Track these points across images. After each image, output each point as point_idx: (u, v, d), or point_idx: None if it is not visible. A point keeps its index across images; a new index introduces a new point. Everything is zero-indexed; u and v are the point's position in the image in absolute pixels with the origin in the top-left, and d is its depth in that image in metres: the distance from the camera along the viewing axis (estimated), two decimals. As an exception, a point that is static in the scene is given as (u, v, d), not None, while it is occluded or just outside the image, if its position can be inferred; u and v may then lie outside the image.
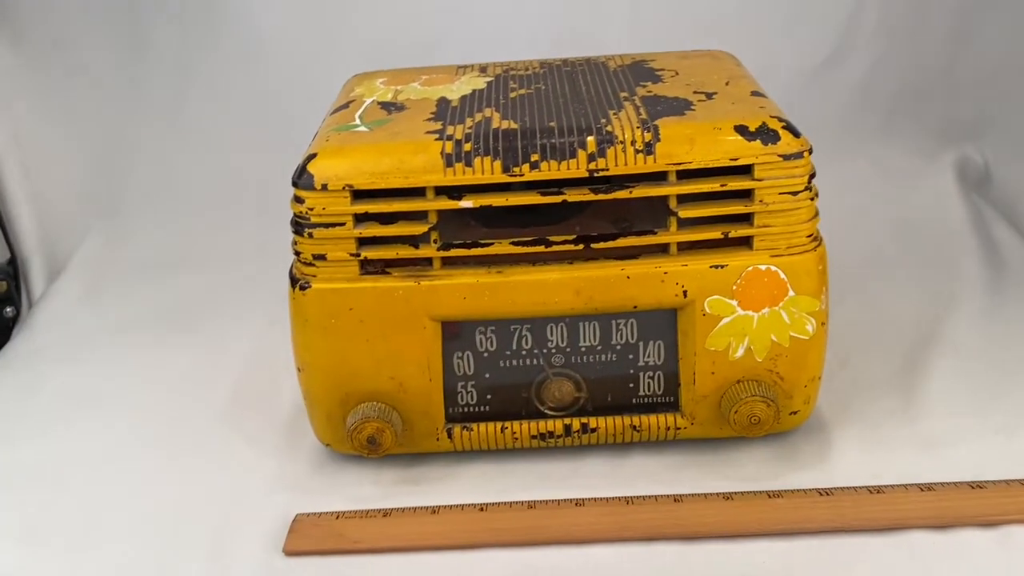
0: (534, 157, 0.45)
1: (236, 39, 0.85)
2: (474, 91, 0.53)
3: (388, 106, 0.52)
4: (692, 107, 0.48)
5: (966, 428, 0.52)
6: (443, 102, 0.52)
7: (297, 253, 0.48)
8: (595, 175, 0.45)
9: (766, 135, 0.45)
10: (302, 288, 0.47)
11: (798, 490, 0.47)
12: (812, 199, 0.46)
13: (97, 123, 0.84)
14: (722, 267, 0.46)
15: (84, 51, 0.83)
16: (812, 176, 0.46)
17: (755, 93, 0.50)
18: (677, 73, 0.54)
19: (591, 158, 0.45)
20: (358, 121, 0.50)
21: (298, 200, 0.46)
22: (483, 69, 0.58)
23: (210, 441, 0.55)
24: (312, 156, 0.46)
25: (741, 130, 0.45)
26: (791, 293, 0.47)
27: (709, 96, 0.50)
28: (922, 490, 0.47)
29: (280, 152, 0.84)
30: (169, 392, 0.60)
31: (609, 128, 0.46)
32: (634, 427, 0.50)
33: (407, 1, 0.85)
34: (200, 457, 0.54)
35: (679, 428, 0.50)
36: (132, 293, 0.73)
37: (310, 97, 0.83)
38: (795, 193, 0.46)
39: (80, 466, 0.54)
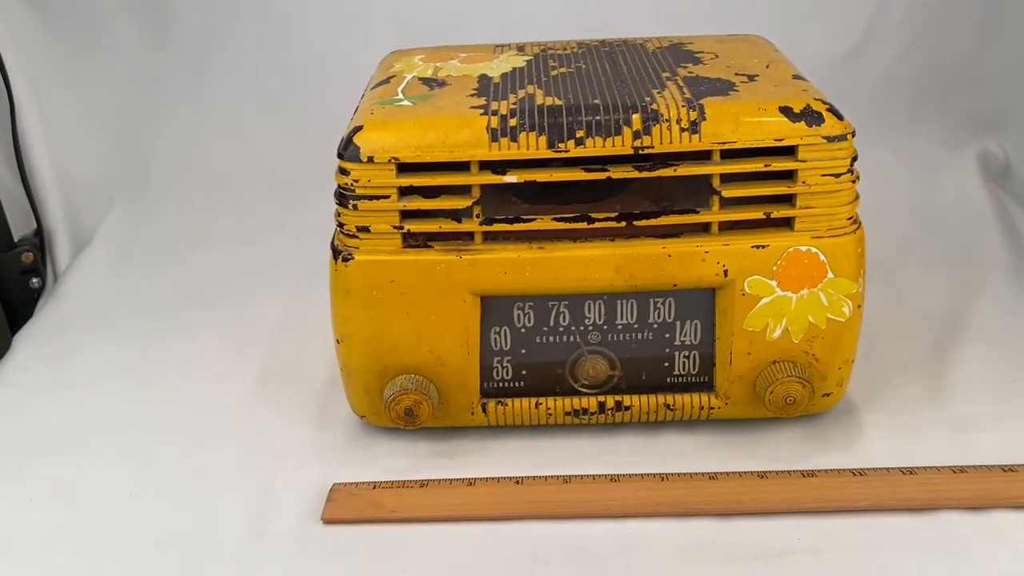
0: (579, 133, 0.45)
1: (262, 16, 0.85)
2: (514, 69, 0.53)
3: (430, 82, 0.52)
4: (735, 88, 0.48)
5: (994, 413, 0.52)
6: (484, 79, 0.52)
7: (340, 225, 0.48)
8: (640, 152, 0.45)
9: (810, 117, 0.45)
10: (344, 260, 0.48)
11: (832, 470, 0.48)
12: (854, 182, 0.47)
13: (122, 98, 0.84)
14: (763, 247, 0.47)
15: (110, 26, 0.83)
16: (854, 159, 0.46)
17: (796, 76, 0.50)
18: (716, 56, 0.54)
19: (636, 135, 0.45)
20: (401, 95, 0.50)
21: (343, 172, 0.47)
22: (520, 48, 0.58)
23: (243, 413, 0.55)
24: (358, 128, 0.47)
25: (786, 111, 0.46)
26: (830, 275, 0.47)
27: (751, 78, 0.50)
28: (955, 472, 0.47)
29: (303, 129, 0.85)
30: (198, 365, 0.61)
31: (654, 106, 0.46)
32: (668, 406, 0.50)
33: None
34: (234, 429, 0.54)
35: (713, 408, 0.50)
36: (157, 268, 0.74)
37: (334, 75, 0.83)
38: (837, 175, 0.46)
39: (114, 435, 0.54)
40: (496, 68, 0.54)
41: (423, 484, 0.48)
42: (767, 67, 0.52)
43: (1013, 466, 0.47)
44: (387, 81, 0.53)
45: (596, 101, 0.47)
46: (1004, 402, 0.53)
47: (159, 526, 0.47)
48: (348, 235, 0.48)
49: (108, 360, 0.62)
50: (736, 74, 0.51)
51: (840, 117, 0.46)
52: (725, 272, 0.47)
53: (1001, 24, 0.82)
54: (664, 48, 0.56)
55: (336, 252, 0.48)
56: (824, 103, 0.46)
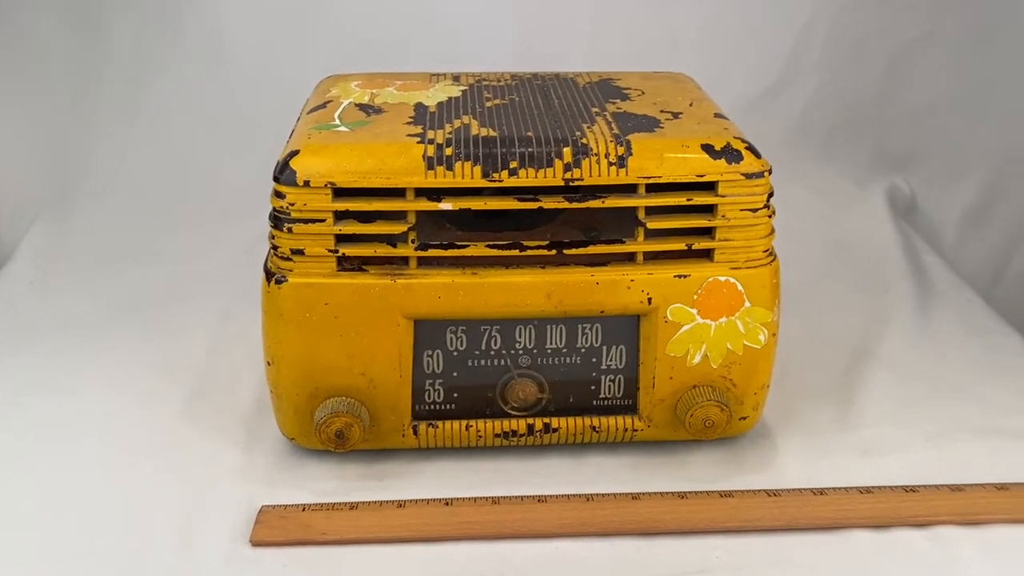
0: (513, 164, 0.47)
1: (197, 33, 0.85)
2: (450, 98, 0.55)
3: (366, 108, 0.53)
4: (661, 125, 0.51)
5: (899, 437, 0.55)
6: (420, 107, 0.53)
7: (274, 247, 0.48)
8: (570, 184, 0.47)
9: (730, 154, 0.48)
10: (278, 282, 0.48)
11: (747, 491, 0.50)
12: (770, 216, 0.49)
13: (53, 113, 0.83)
14: (685, 277, 0.49)
15: (42, 40, 0.82)
16: (770, 195, 0.49)
17: (717, 115, 0.53)
18: (643, 92, 0.57)
19: (567, 168, 0.47)
20: (338, 121, 0.51)
21: (279, 195, 0.47)
22: (456, 78, 0.59)
23: (171, 433, 0.55)
24: (294, 152, 0.47)
25: (707, 148, 0.48)
26: (747, 304, 0.50)
27: (675, 115, 0.52)
28: (861, 492, 0.50)
29: (236, 148, 0.85)
30: (125, 383, 0.60)
31: (584, 140, 0.48)
32: (594, 428, 0.52)
33: (369, 6, 0.86)
34: (162, 449, 0.54)
35: (636, 430, 0.52)
36: (82, 285, 0.72)
37: (268, 94, 0.83)
38: (755, 210, 0.49)
39: (36, 455, 0.53)
40: (432, 97, 0.55)
41: (353, 506, 0.49)
42: (690, 105, 0.54)
43: (914, 487, 0.50)
44: (323, 106, 0.54)
45: (529, 133, 0.49)
46: (907, 426, 0.56)
47: (85, 548, 0.46)
48: (282, 257, 0.48)
49: (31, 378, 0.60)
50: (661, 111, 0.53)
51: (758, 155, 0.49)
52: (649, 300, 0.49)
53: (908, 68, 0.88)
54: (594, 83, 0.59)
55: (269, 274, 0.49)
56: (743, 142, 0.49)
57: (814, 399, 0.59)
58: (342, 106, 0.54)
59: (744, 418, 0.53)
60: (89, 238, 0.79)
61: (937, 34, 0.86)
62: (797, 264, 0.73)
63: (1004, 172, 0.85)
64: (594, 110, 0.53)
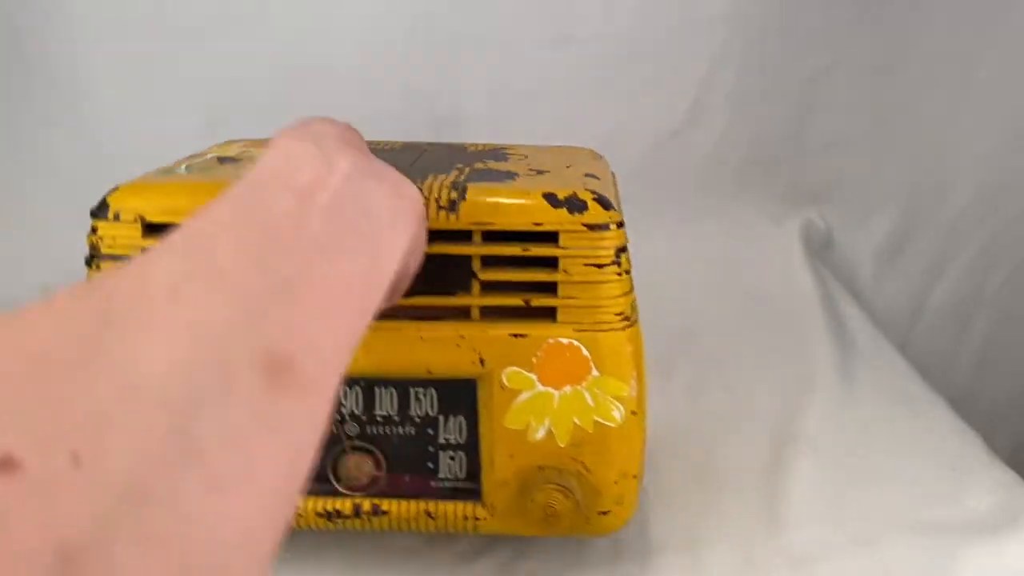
0: (334, 205, 0.44)
1: (60, 99, 0.84)
2: (315, 155, 0.52)
3: (224, 160, 0.52)
4: (515, 178, 0.47)
5: (828, 540, 0.49)
6: (277, 160, 0.51)
7: (86, 286, 0.46)
8: (394, 228, 0.43)
9: (573, 204, 0.44)
10: (85, 323, 0.45)
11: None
12: (620, 274, 0.44)
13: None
14: (522, 336, 0.44)
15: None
16: (621, 250, 0.44)
17: (588, 175, 0.49)
18: (526, 157, 0.53)
19: (392, 211, 0.43)
20: (183, 168, 0.49)
21: (92, 231, 0.45)
22: (343, 143, 0.57)
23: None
24: (114, 189, 0.45)
25: (549, 197, 0.44)
26: (595, 372, 0.44)
27: (540, 172, 0.49)
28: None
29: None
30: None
31: (419, 184, 0.45)
32: (429, 514, 0.46)
33: (255, 63, 0.85)
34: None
35: (478, 519, 0.46)
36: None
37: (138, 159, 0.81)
38: (601, 266, 0.44)
39: None
40: (299, 154, 0.53)
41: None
42: (567, 167, 0.51)
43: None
44: (189, 157, 0.52)
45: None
46: (836, 525, 0.51)
47: None
48: (91, 297, 0.45)
49: None
50: (529, 169, 0.49)
51: (607, 206, 0.44)
52: (481, 361, 0.44)
53: (816, 102, 0.84)
54: (481, 150, 0.56)
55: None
56: (593, 193, 0.44)
57: (739, 493, 0.54)
58: (203, 157, 0.52)
59: (605, 512, 0.45)
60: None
61: (841, 66, 0.83)
62: (716, 319, 0.70)
63: (917, 204, 0.82)
64: (457, 166, 0.50)
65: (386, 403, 0.46)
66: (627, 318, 0.45)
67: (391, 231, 0.35)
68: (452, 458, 0.46)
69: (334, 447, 0.46)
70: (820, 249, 0.83)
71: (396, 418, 0.46)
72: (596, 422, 0.44)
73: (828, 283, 0.78)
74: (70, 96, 0.85)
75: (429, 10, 0.83)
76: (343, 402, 0.45)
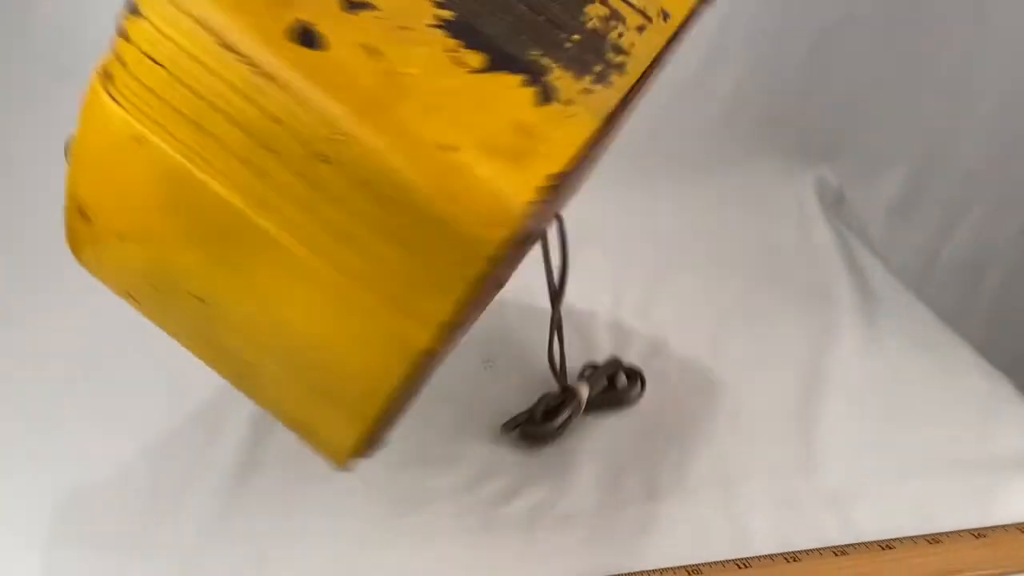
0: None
1: None
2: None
3: None
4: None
5: (866, 480, 0.51)
6: None
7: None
8: None
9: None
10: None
11: (715, 563, 0.44)
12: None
13: None
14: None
15: None
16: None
17: None
18: None
19: None
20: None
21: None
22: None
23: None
24: None
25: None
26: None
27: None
28: (836, 555, 0.45)
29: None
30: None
31: None
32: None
33: None
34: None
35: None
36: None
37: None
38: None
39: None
40: None
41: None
42: None
43: (890, 543, 0.45)
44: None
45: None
46: (873, 465, 0.52)
47: None
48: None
49: None
50: None
51: None
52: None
53: (829, 55, 0.84)
54: None
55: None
56: None
57: (772, 437, 0.54)
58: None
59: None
60: None
61: (856, 18, 0.83)
62: (735, 271, 0.70)
63: (930, 158, 0.81)
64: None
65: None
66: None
67: None
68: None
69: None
70: (832, 205, 0.83)
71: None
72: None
73: (844, 235, 0.78)
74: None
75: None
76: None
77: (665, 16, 0.40)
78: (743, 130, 0.86)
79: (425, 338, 0.34)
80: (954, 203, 0.82)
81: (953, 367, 0.61)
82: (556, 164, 0.33)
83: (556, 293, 0.50)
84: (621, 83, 0.36)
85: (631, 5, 0.39)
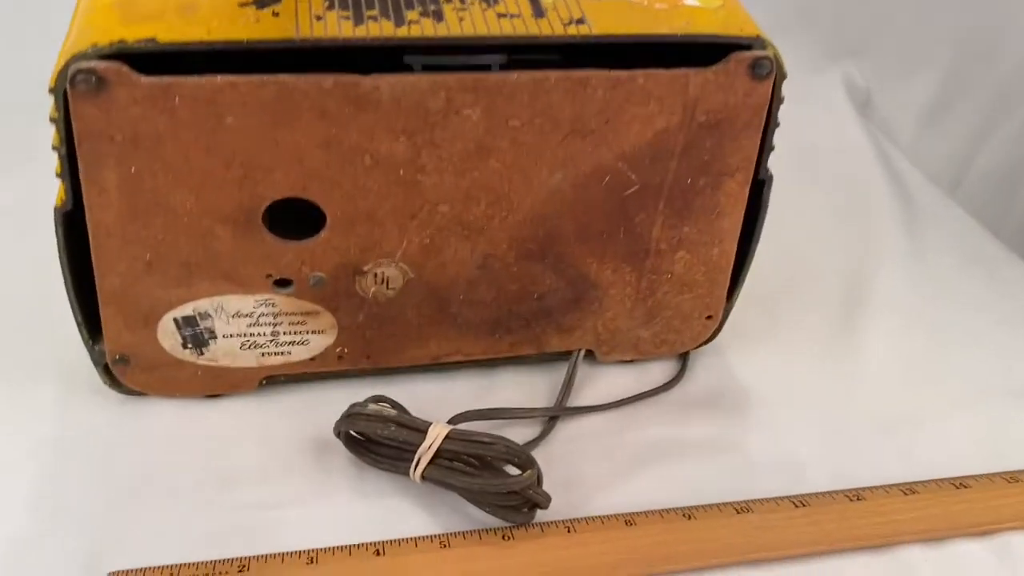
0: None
1: None
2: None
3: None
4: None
5: (924, 405, 0.47)
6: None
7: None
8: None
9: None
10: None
11: (768, 500, 0.41)
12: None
13: None
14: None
15: None
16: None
17: None
18: None
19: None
20: None
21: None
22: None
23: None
24: None
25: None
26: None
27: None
28: (905, 494, 0.41)
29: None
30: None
31: None
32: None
33: None
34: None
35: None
36: None
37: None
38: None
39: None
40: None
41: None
42: None
43: (964, 480, 0.42)
44: None
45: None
46: (930, 390, 0.48)
47: None
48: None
49: None
50: None
51: None
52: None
53: None
54: None
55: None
56: None
57: (814, 356, 0.50)
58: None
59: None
60: None
61: None
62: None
63: (963, 62, 0.74)
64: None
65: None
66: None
67: None
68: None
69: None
70: (859, 108, 0.76)
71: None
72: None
73: (878, 137, 0.72)
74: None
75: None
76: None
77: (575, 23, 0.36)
78: (767, 21, 0.78)
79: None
80: (990, 110, 0.75)
81: (1007, 285, 0.57)
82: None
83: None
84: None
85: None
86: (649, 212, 0.41)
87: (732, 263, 0.45)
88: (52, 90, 0.33)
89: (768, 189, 0.43)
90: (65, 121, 0.34)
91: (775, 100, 0.39)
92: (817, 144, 0.70)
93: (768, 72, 0.38)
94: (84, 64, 0.32)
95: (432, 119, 0.36)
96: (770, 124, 0.40)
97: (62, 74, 0.33)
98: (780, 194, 0.61)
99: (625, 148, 0.39)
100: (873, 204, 0.63)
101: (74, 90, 0.32)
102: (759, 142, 0.40)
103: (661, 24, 0.37)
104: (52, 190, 0.37)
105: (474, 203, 0.39)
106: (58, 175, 0.36)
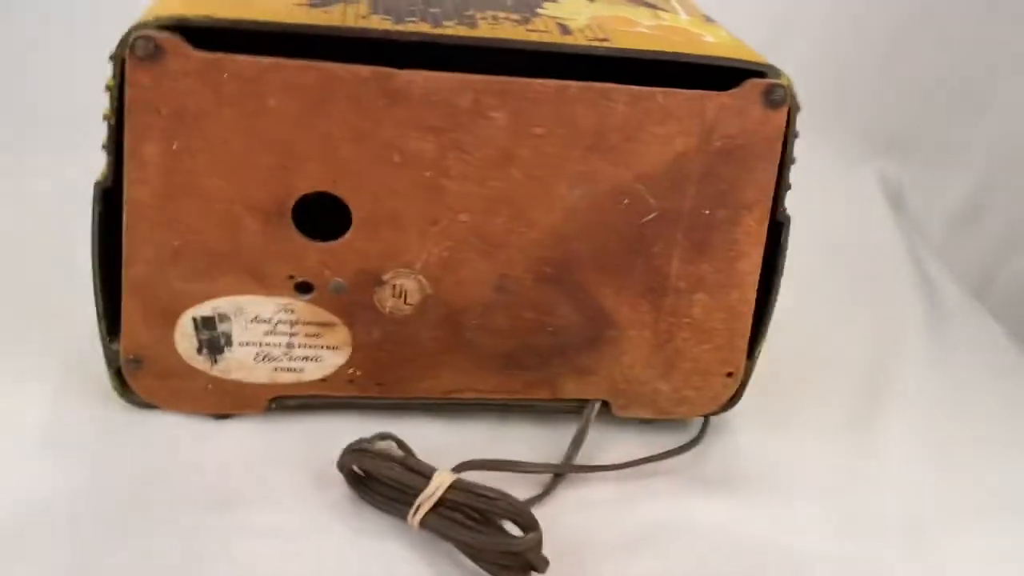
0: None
1: None
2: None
3: None
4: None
5: (941, 512, 0.44)
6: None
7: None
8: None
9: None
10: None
11: None
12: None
13: None
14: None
15: None
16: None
17: None
18: None
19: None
20: None
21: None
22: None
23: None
24: None
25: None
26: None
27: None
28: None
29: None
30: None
31: None
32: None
33: None
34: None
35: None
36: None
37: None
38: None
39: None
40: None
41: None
42: None
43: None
44: None
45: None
46: (945, 491, 0.46)
47: None
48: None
49: None
50: None
51: None
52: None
53: (906, 47, 0.80)
54: None
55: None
56: None
57: (831, 449, 0.48)
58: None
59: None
60: None
61: (937, 13, 0.79)
62: (791, 265, 0.63)
63: (1000, 166, 0.75)
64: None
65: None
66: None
67: None
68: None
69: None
70: (892, 204, 0.77)
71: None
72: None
73: (911, 236, 0.73)
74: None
75: None
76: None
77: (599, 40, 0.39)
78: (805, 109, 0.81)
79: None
80: (1020, 218, 0.76)
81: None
82: None
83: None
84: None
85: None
86: (667, 242, 0.42)
87: (752, 312, 0.45)
88: (112, 56, 0.36)
89: (787, 232, 0.43)
90: (119, 90, 0.36)
91: (790, 133, 0.41)
92: (848, 236, 0.70)
93: (782, 100, 0.40)
94: (144, 32, 0.35)
95: (460, 119, 0.38)
96: (786, 159, 0.42)
97: (123, 41, 0.36)
98: (807, 279, 0.61)
99: (644, 168, 0.40)
100: (898, 300, 0.63)
101: (132, 56, 0.35)
102: (775, 177, 0.41)
103: (680, 49, 0.40)
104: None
105: (494, 215, 0.40)
106: (103, 148, 0.38)
